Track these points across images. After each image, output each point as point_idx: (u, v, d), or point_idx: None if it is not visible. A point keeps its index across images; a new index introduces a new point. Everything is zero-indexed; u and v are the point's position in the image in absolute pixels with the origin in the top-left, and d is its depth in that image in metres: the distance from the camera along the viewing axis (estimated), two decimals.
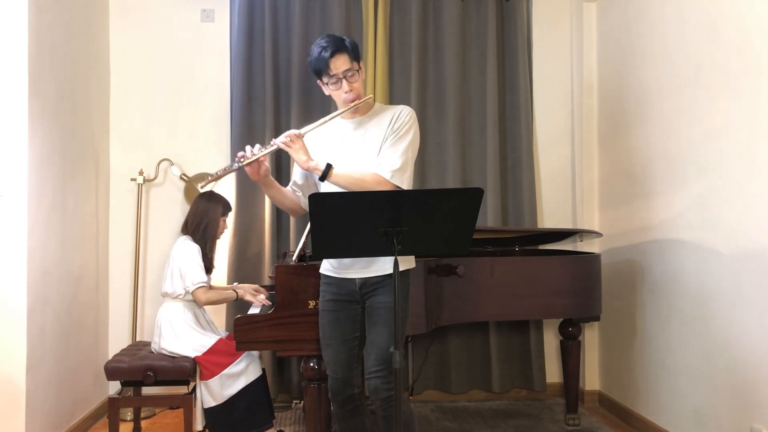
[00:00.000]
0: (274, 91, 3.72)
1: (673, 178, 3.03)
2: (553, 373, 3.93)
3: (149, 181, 3.72)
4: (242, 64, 3.69)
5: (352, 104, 2.19)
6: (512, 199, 3.93)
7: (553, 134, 4.03)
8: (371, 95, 2.27)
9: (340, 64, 2.17)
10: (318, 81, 2.28)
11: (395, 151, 2.18)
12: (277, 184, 2.33)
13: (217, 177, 2.18)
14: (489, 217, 3.81)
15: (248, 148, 2.17)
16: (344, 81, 2.18)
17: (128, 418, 3.43)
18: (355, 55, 2.21)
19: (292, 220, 3.70)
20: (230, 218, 3.65)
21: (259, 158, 2.16)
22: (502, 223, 3.85)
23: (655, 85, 3.18)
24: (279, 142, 2.17)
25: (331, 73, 2.18)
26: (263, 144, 2.21)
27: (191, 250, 2.93)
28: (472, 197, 1.83)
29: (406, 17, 3.84)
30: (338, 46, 2.17)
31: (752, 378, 2.51)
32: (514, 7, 3.91)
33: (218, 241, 3.65)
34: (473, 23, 3.91)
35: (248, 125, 3.70)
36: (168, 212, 3.74)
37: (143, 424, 3.40)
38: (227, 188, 3.73)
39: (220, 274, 3.67)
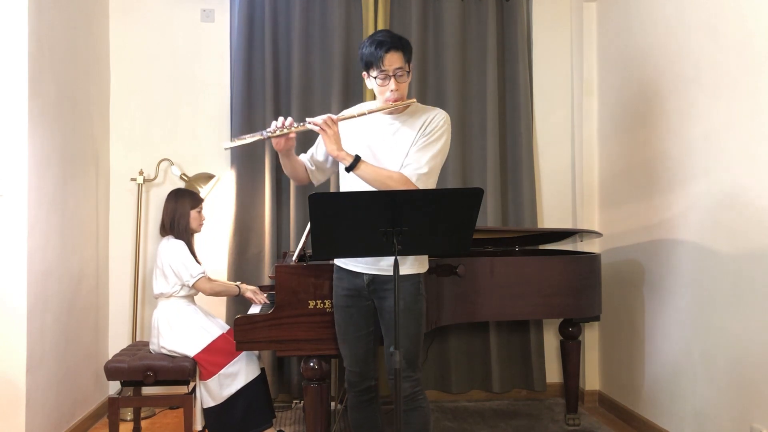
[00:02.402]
0: (274, 91, 3.72)
1: (673, 178, 3.03)
2: (553, 373, 3.93)
3: (149, 181, 3.72)
4: (242, 64, 3.69)
5: (393, 104, 2.17)
6: (512, 199, 3.92)
7: (553, 134, 4.03)
8: (414, 99, 2.22)
9: (394, 61, 2.15)
10: (364, 73, 2.24)
11: (424, 156, 2.17)
12: (294, 155, 2.33)
13: (244, 140, 2.15)
14: (489, 217, 3.81)
15: (281, 119, 2.15)
16: (393, 79, 2.16)
17: (128, 418, 3.43)
18: (409, 56, 2.20)
19: (292, 220, 3.70)
20: (230, 218, 3.67)
21: (288, 134, 2.15)
22: (502, 223, 3.85)
23: (655, 85, 3.18)
24: (314, 122, 2.14)
25: (383, 68, 2.15)
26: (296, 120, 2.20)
27: (178, 246, 2.94)
28: (472, 197, 1.83)
29: (406, 17, 3.84)
30: (396, 43, 2.16)
31: (752, 378, 2.51)
32: (514, 7, 3.91)
33: (217, 242, 3.70)
34: (473, 23, 3.91)
35: (248, 125, 3.70)
36: None
37: (143, 424, 3.40)
38: (227, 188, 3.73)
39: (220, 274, 3.67)
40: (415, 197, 1.89)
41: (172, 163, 3.70)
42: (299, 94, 3.72)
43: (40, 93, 2.86)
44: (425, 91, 3.84)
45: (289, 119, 2.17)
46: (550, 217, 4.02)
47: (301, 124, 2.16)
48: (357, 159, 2.14)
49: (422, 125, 2.20)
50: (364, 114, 2.19)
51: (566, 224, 4.00)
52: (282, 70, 3.77)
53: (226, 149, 2.21)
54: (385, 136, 2.24)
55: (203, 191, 3.56)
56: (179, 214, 3.01)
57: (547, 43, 4.03)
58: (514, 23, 3.91)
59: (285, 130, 2.14)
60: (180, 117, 3.80)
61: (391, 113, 2.25)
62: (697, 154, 2.84)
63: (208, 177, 3.63)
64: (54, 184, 3.02)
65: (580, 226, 3.88)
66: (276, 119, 2.18)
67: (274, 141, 2.17)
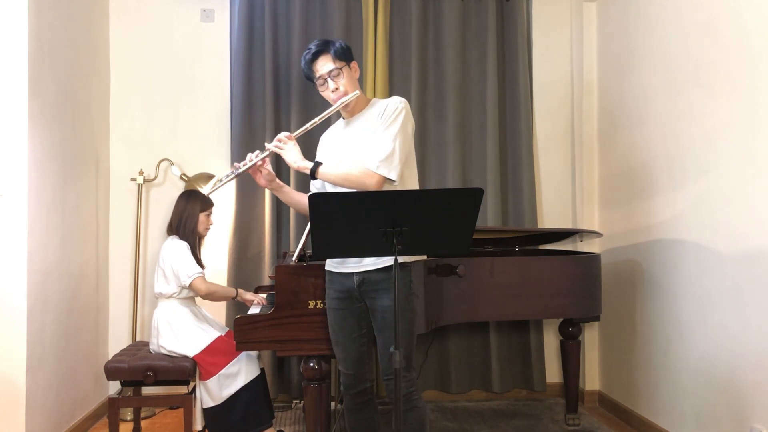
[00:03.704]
0: (274, 91, 3.71)
1: (673, 178, 3.03)
2: (553, 373, 3.93)
3: (149, 181, 3.72)
4: (242, 64, 3.69)
5: (339, 102, 2.23)
6: (512, 199, 3.92)
7: (553, 134, 4.03)
8: (357, 91, 2.26)
9: (322, 65, 2.24)
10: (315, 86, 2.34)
11: (382, 140, 2.17)
12: (287, 187, 2.43)
13: (221, 184, 2.30)
14: (489, 217, 3.81)
15: (249, 155, 2.26)
16: (329, 81, 2.24)
17: (128, 418, 3.43)
18: (340, 55, 2.24)
19: (292, 220, 3.70)
20: (230, 218, 3.68)
21: (256, 164, 2.25)
22: (502, 223, 3.85)
23: (655, 85, 3.18)
24: (271, 146, 2.25)
25: (317, 76, 2.25)
26: (263, 150, 2.32)
27: (180, 246, 2.95)
28: (472, 197, 1.83)
29: (406, 17, 3.84)
30: (320, 48, 2.23)
31: (752, 378, 2.51)
32: (514, 7, 3.91)
33: (217, 242, 3.70)
34: (473, 23, 3.91)
35: (248, 125, 3.70)
36: (168, 212, 3.69)
37: (143, 424, 3.40)
38: (227, 188, 3.72)
39: (220, 274, 3.67)
40: (415, 197, 1.89)
41: (172, 163, 3.70)
42: (299, 94, 3.72)
43: (40, 93, 2.86)
44: (425, 91, 3.84)
45: (255, 152, 2.27)
46: (550, 217, 4.02)
47: (264, 150, 2.27)
48: (316, 165, 2.20)
49: (379, 114, 2.23)
50: (317, 122, 2.26)
51: (566, 224, 4.00)
52: (282, 70, 3.77)
53: (208, 194, 2.34)
54: (347, 139, 2.30)
55: (203, 191, 3.55)
56: (188, 215, 3.01)
57: (547, 43, 4.03)
58: (514, 23, 3.91)
59: (251, 162, 2.24)
60: (180, 117, 3.80)
61: (350, 114, 2.32)
62: (697, 154, 2.84)
63: (208, 177, 3.63)
64: (54, 184, 3.02)
65: (580, 226, 3.88)
66: (264, 137, 2.28)
67: (256, 178, 2.31)
